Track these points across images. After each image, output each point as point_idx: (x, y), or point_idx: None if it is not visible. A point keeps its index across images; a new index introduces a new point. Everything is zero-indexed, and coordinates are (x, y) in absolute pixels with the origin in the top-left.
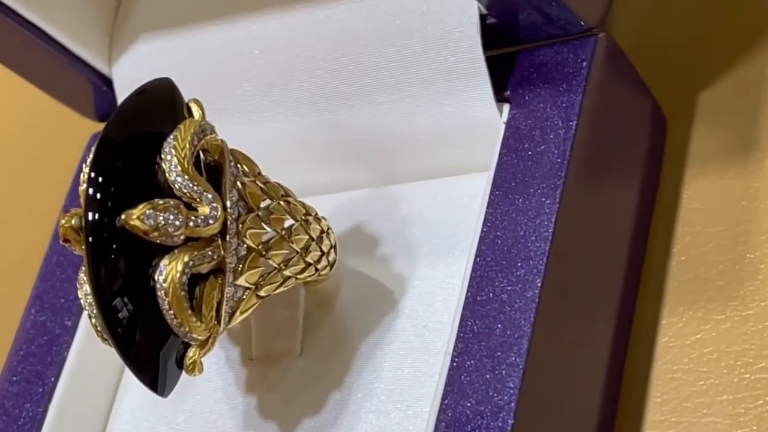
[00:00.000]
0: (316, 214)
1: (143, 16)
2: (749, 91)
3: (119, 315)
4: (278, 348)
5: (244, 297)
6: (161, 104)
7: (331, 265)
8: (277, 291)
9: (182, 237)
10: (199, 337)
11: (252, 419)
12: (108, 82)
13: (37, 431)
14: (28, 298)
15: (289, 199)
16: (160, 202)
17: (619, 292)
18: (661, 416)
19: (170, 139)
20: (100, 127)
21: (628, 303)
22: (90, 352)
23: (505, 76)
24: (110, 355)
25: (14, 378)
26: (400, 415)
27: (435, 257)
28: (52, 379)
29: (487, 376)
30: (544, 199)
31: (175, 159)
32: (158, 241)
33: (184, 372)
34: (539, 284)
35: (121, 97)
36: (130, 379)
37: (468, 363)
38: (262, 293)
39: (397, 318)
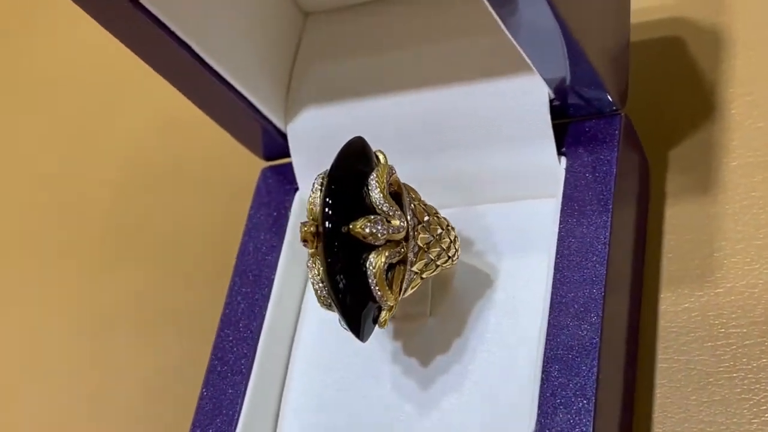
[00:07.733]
0: (448, 224)
1: (308, 93)
2: (709, 142)
3: (339, 286)
4: (416, 311)
5: (413, 278)
6: (361, 152)
7: (458, 257)
8: (432, 275)
9: (384, 240)
10: (390, 304)
11: (399, 358)
12: (283, 135)
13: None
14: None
15: (438, 215)
16: (372, 217)
17: (630, 276)
18: (666, 354)
19: (373, 175)
20: (268, 163)
21: (637, 283)
22: (282, 312)
23: (563, 138)
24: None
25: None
26: (503, 353)
27: (520, 254)
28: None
29: (575, 329)
30: (601, 217)
31: (377, 189)
32: (368, 242)
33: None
34: (604, 273)
35: (292, 143)
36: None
37: (560, 321)
38: (423, 276)
39: (495, 292)
